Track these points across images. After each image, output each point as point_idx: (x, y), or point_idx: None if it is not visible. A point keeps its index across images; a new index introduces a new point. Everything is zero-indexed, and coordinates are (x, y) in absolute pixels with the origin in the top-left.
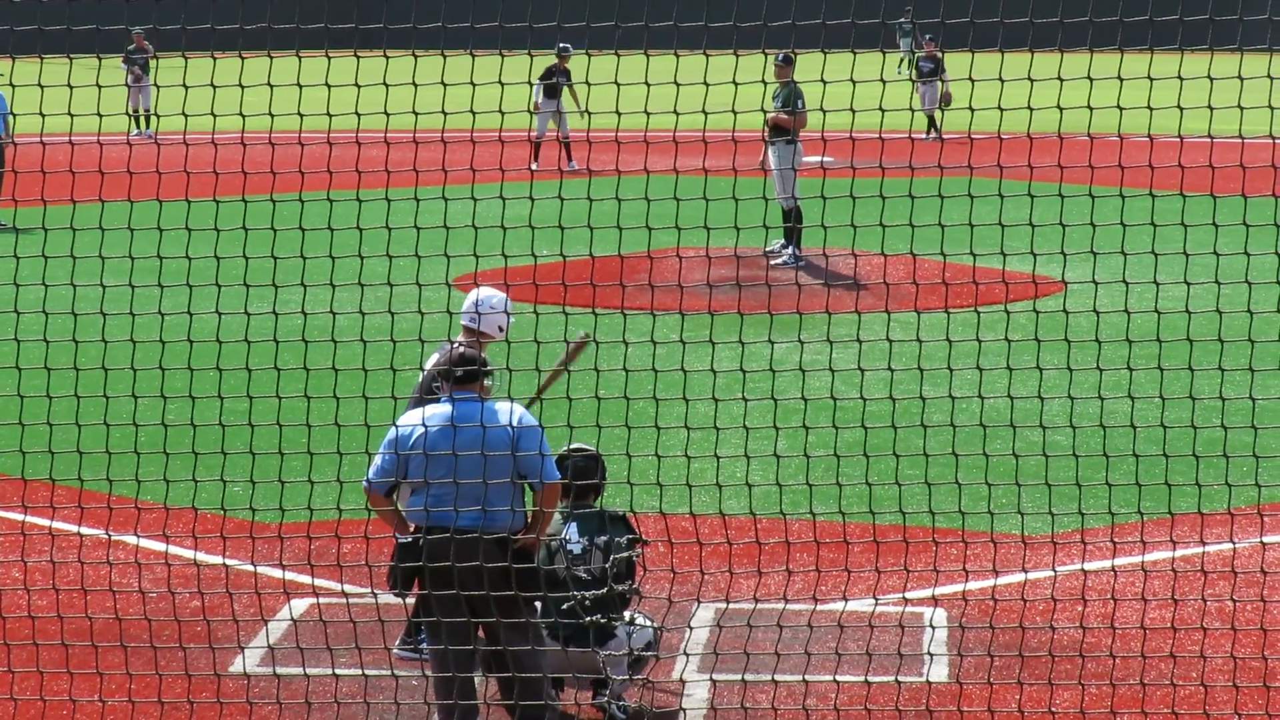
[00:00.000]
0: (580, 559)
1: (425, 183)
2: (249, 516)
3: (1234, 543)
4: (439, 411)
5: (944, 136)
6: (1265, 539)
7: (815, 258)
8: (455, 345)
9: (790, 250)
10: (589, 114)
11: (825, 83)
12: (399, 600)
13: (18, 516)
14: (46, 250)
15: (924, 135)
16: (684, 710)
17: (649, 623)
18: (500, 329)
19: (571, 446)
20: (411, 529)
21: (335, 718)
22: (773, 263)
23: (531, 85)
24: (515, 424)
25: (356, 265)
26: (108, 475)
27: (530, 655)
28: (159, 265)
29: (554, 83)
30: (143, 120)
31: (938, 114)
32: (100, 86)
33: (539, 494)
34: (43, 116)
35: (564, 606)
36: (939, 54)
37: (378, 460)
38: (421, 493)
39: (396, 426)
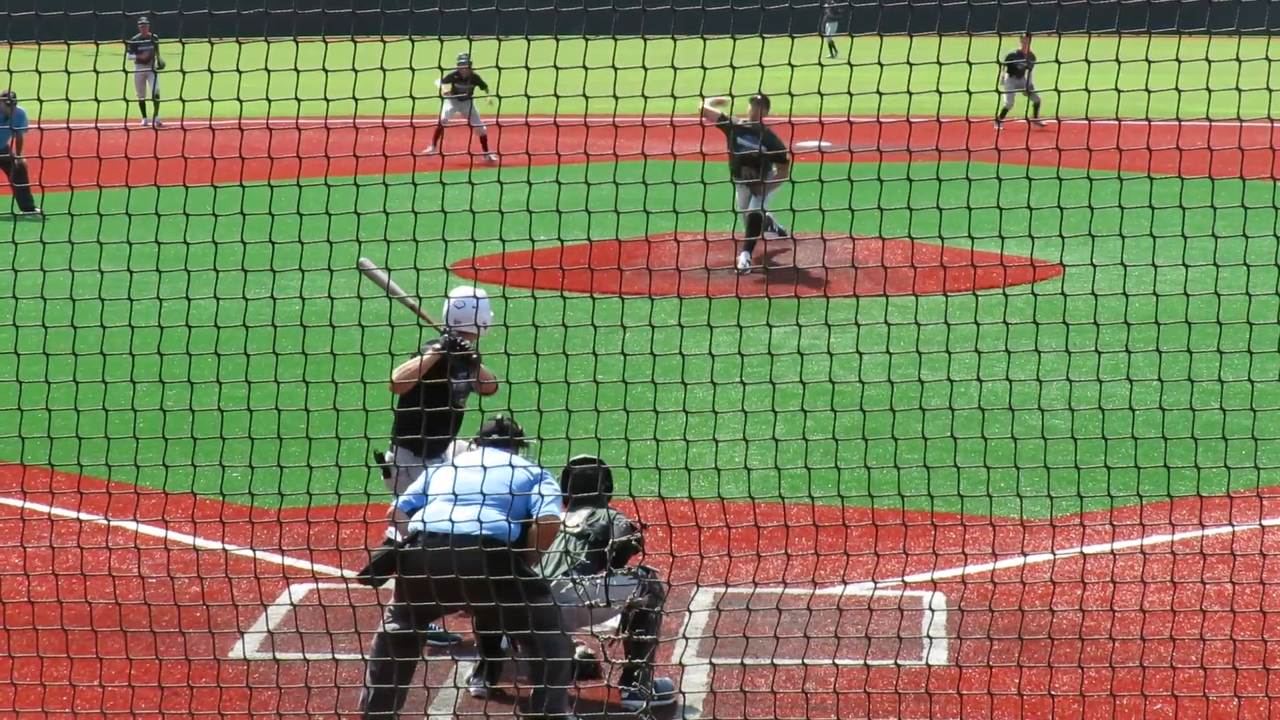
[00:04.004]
0: (579, 538)
1: (422, 168)
2: (248, 502)
3: (1233, 526)
4: (473, 453)
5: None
6: (1264, 522)
7: (813, 242)
8: (497, 417)
9: (744, 256)
10: (557, 98)
11: (823, 66)
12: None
13: (17, 502)
14: (44, 236)
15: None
16: (683, 694)
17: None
18: (485, 326)
19: (580, 458)
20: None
21: (335, 702)
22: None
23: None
24: (536, 481)
25: (354, 250)
26: (106, 461)
27: (554, 640)
28: (157, 250)
29: (456, 89)
30: (149, 106)
31: (1020, 100)
32: (98, 72)
33: (534, 525)
34: (40, 103)
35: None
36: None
37: (415, 490)
38: (428, 505)
39: (446, 462)
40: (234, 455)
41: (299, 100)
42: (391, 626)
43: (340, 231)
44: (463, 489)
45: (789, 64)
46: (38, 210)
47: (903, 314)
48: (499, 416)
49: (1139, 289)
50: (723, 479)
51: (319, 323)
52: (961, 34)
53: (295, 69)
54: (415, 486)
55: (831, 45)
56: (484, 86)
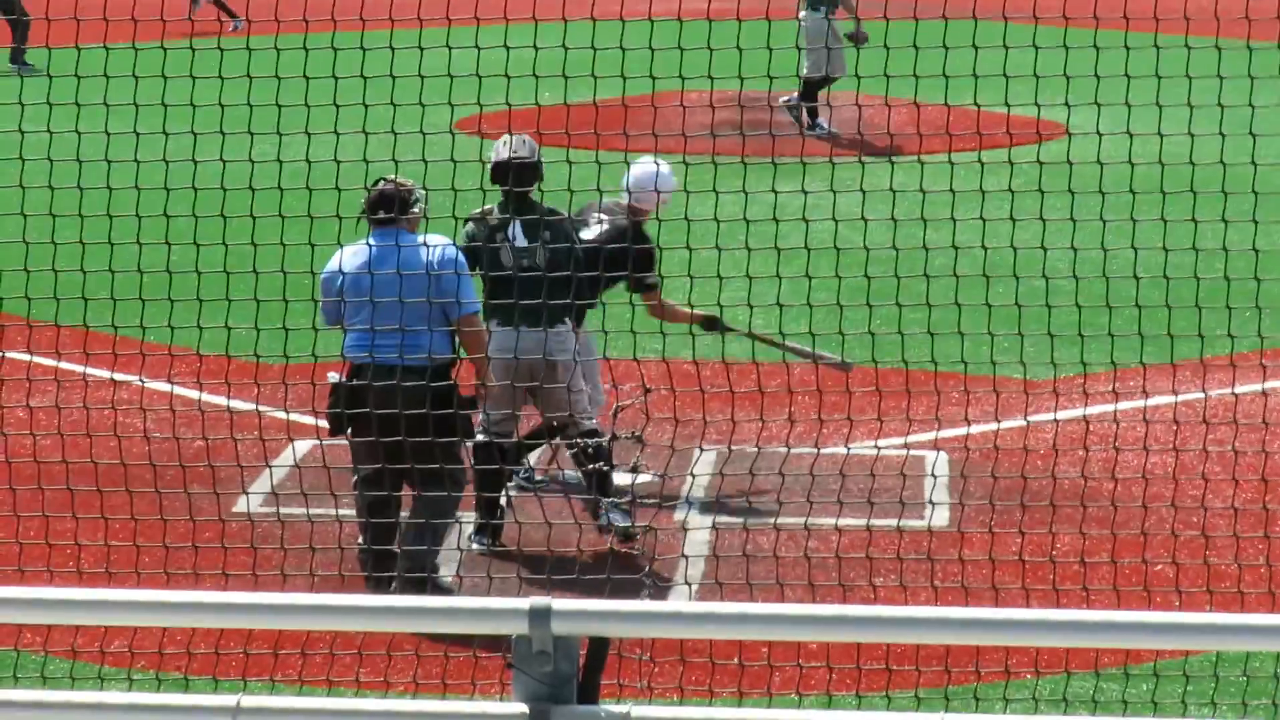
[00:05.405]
0: (524, 252)
1: (429, 27)
2: (253, 360)
3: (1235, 390)
4: (358, 250)
5: None
6: (1266, 385)
7: (819, 106)
8: (381, 181)
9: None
10: None
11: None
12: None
13: (24, 357)
14: (51, 97)
15: None
16: (685, 555)
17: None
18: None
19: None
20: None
21: (339, 560)
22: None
23: None
24: (437, 258)
25: (360, 111)
26: (113, 321)
27: (442, 503)
28: (163, 111)
29: None
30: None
31: None
32: None
33: (458, 326)
34: None
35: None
36: None
37: (321, 304)
38: (352, 332)
39: (325, 269)
40: (240, 316)
41: None
42: (358, 479)
43: (347, 94)
44: (378, 310)
45: None
46: (30, 65)
47: (908, 177)
48: (380, 188)
49: (1144, 156)
50: (727, 340)
51: (325, 184)
52: None
53: None
54: (330, 307)
55: None
56: None
